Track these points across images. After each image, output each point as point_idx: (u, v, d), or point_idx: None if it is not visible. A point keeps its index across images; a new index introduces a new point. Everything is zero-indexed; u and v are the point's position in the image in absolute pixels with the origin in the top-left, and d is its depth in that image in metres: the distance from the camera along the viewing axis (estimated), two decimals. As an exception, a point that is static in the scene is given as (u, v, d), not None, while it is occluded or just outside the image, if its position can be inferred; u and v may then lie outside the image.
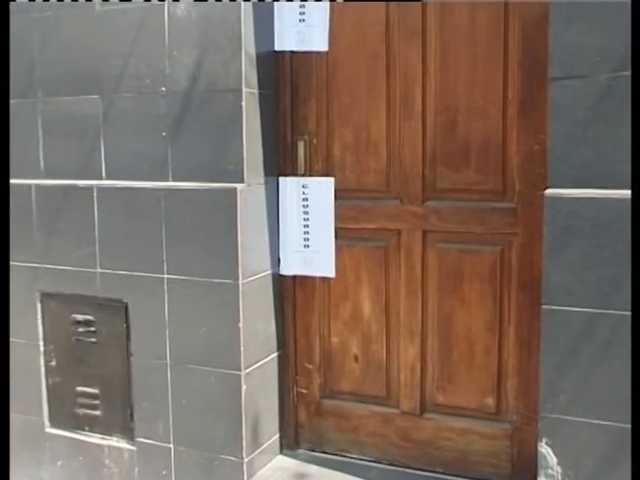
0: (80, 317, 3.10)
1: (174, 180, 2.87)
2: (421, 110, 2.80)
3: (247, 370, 2.85)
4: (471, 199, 2.77)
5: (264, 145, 2.88)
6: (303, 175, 2.98)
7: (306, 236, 3.00)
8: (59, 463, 3.18)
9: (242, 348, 2.81)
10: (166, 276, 2.90)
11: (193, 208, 2.82)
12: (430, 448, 2.94)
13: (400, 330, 2.95)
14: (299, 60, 2.94)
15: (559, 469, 2.33)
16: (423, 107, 2.80)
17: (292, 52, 2.92)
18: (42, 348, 3.18)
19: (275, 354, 3.06)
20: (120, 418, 3.09)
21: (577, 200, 2.27)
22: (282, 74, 2.96)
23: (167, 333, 2.93)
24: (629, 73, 2.17)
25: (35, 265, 3.12)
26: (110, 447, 3.10)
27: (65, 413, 3.18)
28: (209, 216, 2.80)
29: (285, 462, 3.03)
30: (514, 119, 2.66)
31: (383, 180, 2.91)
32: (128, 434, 3.07)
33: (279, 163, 3.00)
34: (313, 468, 2.96)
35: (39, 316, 3.15)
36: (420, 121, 2.81)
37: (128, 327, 3.02)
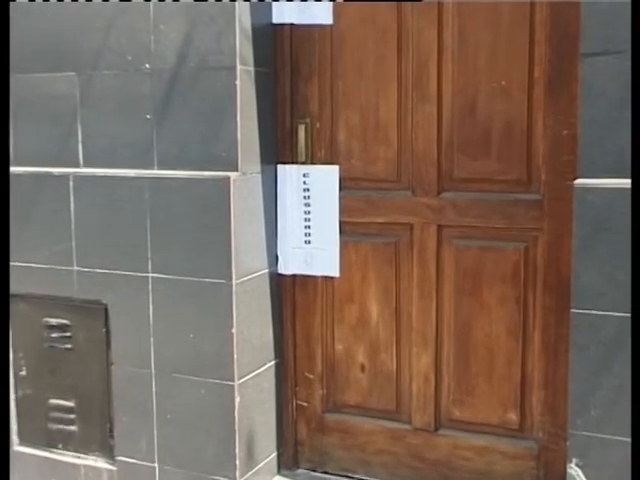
0: (54, 321, 3.10)
1: (160, 168, 2.87)
2: (436, 91, 2.81)
3: (241, 380, 2.85)
4: (492, 190, 2.77)
5: (261, 129, 2.89)
6: (304, 163, 2.99)
7: (307, 231, 3.00)
8: (30, 485, 3.20)
9: (235, 356, 2.81)
10: (151, 275, 2.90)
11: (181, 199, 2.83)
12: (445, 469, 2.95)
13: (412, 336, 2.95)
14: (300, 34, 2.95)
15: (590, 492, 2.34)
16: (438, 87, 2.81)
17: (292, 25, 2.93)
18: (11, 356, 3.17)
19: (272, 363, 3.06)
20: (98, 434, 3.09)
21: (610, 191, 2.27)
22: (281, 50, 2.97)
23: (151, 339, 2.93)
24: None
25: (4, 263, 3.12)
26: (87, 467, 3.10)
27: (36, 429, 3.18)
28: (199, 208, 2.80)
29: (283, 483, 3.04)
30: (540, 101, 2.67)
31: (393, 169, 2.91)
32: (107, 452, 3.07)
33: (277, 149, 3.01)
34: (314, 490, 2.97)
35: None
36: (435, 103, 2.82)
37: (108, 332, 3.02)
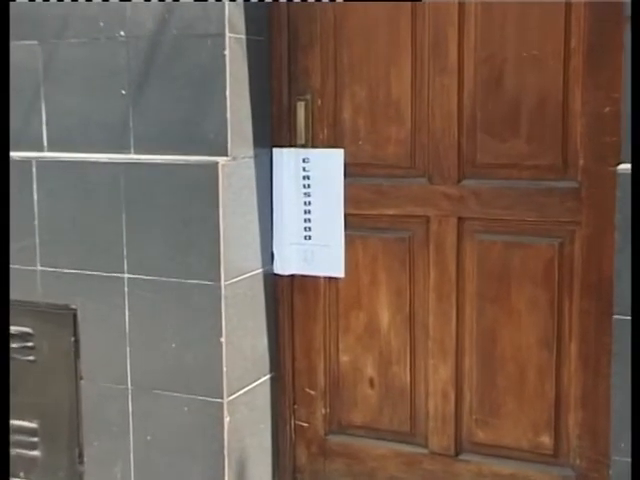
0: (14, 329, 3.08)
1: (137, 152, 2.89)
2: (457, 61, 2.81)
3: (231, 397, 2.87)
4: (521, 177, 2.78)
5: (253, 107, 2.90)
6: (304, 146, 3.00)
7: (307, 225, 3.02)
8: (-12, 517, 3.21)
9: (224, 369, 2.82)
10: (127, 276, 2.92)
11: (161, 188, 2.84)
12: (467, 499, 2.98)
13: (428, 346, 2.96)
14: (299, -3, 2.97)
15: (636, 528, 2.35)
16: (459, 57, 2.81)
17: (290, -14, 2.95)
18: (-34, 369, 3.19)
19: (267, 377, 3.08)
20: (66, 460, 3.10)
21: (660, 178, 2.27)
22: (277, 15, 2.98)
23: (128, 350, 2.94)
24: None
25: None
26: (53, 497, 3.14)
27: (-5, 453, 3.21)
28: (182, 198, 2.81)
29: (279, 517, 3.05)
30: (578, 72, 2.67)
31: (407, 152, 2.92)
32: (76, 480, 3.07)
33: (273, 130, 3.03)
34: (315, 524, 3.01)
35: (-38, 328, 3.18)
36: (455, 75, 2.82)
37: (77, 342, 3.03)
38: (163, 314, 2.88)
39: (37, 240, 3.01)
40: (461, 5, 2.78)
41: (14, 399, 3.07)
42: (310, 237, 3.01)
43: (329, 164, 2.97)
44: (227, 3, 2.72)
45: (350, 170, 2.97)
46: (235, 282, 2.85)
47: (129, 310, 2.92)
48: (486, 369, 2.89)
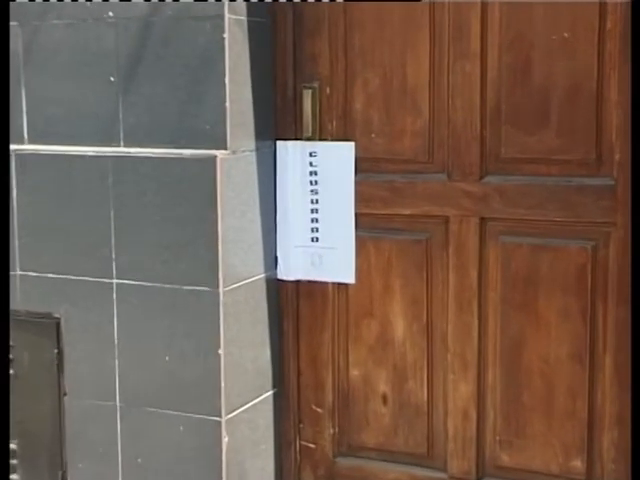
0: (-8, 340, 3.11)
1: (127, 145, 2.88)
2: (479, 45, 2.81)
3: (230, 415, 2.86)
4: (550, 173, 2.78)
5: (255, 95, 2.90)
6: (311, 138, 3.00)
7: (315, 225, 3.02)
8: None
9: (223, 384, 2.82)
10: (115, 281, 2.91)
11: (154, 184, 2.84)
12: (490, 529, 2.98)
13: (448, 360, 2.96)
14: (306, -25, 2.97)
15: None
16: (482, 41, 2.81)
17: (296, -37, 2.96)
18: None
19: (270, 393, 3.08)
20: (48, 484, 3.07)
21: None
22: None
23: (116, 363, 2.94)
24: None
25: None
26: (35, 525, 3.13)
27: (-30, 476, 3.24)
28: (177, 196, 2.81)
29: None
30: (614, 58, 2.66)
31: (424, 146, 2.92)
32: (60, 507, 3.09)
33: (277, 121, 3.03)
34: None
35: None
36: (478, 61, 2.81)
37: (60, 354, 3.02)
38: (155, 323, 2.88)
39: (16, 242, 3.00)
40: (485, -18, 2.79)
41: (-9, 417, 3.14)
42: (317, 239, 3.01)
43: (338, 159, 2.97)
44: (227, -18, 2.72)
45: (361, 165, 2.97)
46: (235, 288, 2.85)
47: (118, 319, 2.92)
48: (511, 385, 2.88)
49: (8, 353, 2.77)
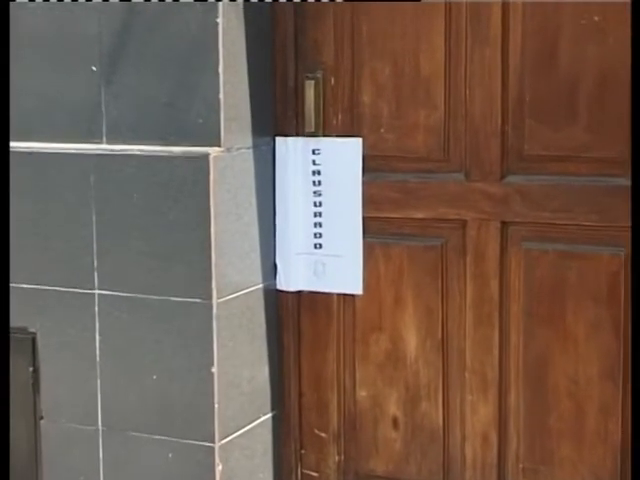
0: (-40, 357, 3.10)
1: (110, 141, 2.88)
2: (500, 30, 2.80)
3: (224, 441, 2.86)
4: (579, 173, 2.77)
5: (252, 87, 2.90)
6: (314, 134, 2.99)
7: (318, 230, 3.01)
8: None
9: (216, 406, 2.81)
10: (97, 292, 2.91)
11: (140, 185, 2.83)
12: None
13: (465, 379, 2.95)
14: (308, -47, 2.98)
15: None
16: (503, 26, 2.80)
17: (297, -60, 2.98)
18: None
19: (268, 415, 3.08)
20: (23, 516, 3.06)
21: None
22: None
23: (98, 383, 2.93)
24: None
25: None
26: None
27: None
28: (165, 198, 2.81)
29: None
30: None
31: (439, 142, 2.91)
32: (36, 541, 3.08)
33: (276, 115, 3.03)
34: None
35: None
36: (499, 48, 2.81)
37: (36, 373, 3.02)
38: (142, 339, 2.87)
39: (-12, 248, 3.03)
40: (506, -40, 2.78)
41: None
42: (321, 245, 3.01)
43: (344, 156, 2.96)
44: (221, -39, 2.73)
45: (370, 164, 2.96)
46: (230, 300, 2.85)
47: (100, 334, 2.91)
48: (536, 407, 2.87)
49: (8, 354, 2.71)
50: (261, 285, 2.99)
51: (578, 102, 2.73)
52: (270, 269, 3.03)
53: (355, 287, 2.99)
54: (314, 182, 2.99)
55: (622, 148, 2.68)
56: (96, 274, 2.89)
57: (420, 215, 2.92)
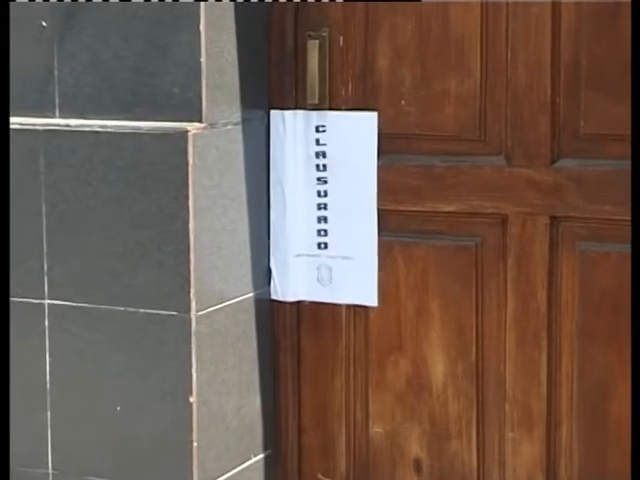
0: None
1: (64, 115, 2.86)
2: None
3: None
4: None
5: (242, 48, 2.88)
6: (318, 107, 2.96)
7: (322, 226, 2.99)
8: None
9: (195, 444, 2.79)
10: (48, 302, 2.89)
11: (101, 170, 2.81)
12: None
13: (505, 412, 2.92)
14: None
15: None
16: None
17: None
18: None
19: (260, 457, 3.07)
20: None
21: None
22: None
23: (48, 415, 2.91)
24: None
25: None
26: None
27: None
28: (132, 186, 2.79)
29: None
30: None
31: (473, 117, 2.89)
32: None
33: (271, 84, 3.03)
34: None
35: None
36: (549, 1, 2.76)
37: None
38: (102, 361, 2.85)
39: None
40: None
41: None
42: (326, 245, 2.98)
43: (355, 135, 2.94)
44: None
45: (387, 144, 2.93)
46: (212, 312, 2.82)
47: (51, 355, 2.89)
48: (593, 445, 2.84)
49: (8, 354, 2.70)
50: (252, 294, 2.97)
51: (647, 68, 2.70)
52: (263, 274, 3.02)
53: (368, 297, 2.97)
54: (318, 166, 2.97)
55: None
56: (46, 280, 2.87)
57: (449, 208, 2.90)
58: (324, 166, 2.96)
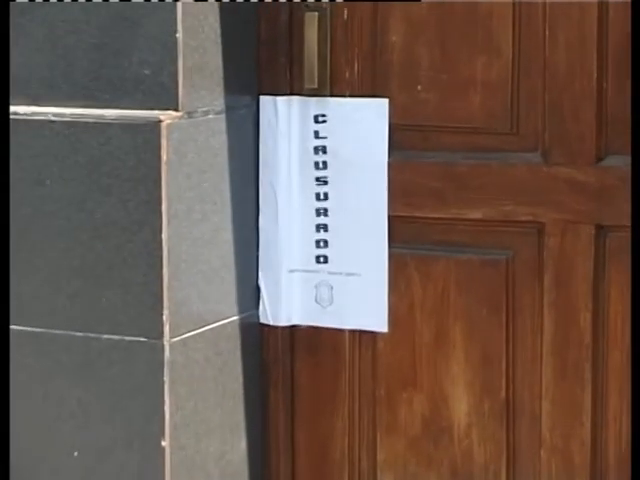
0: None
1: (16, 102, 2.82)
2: None
3: None
4: None
5: (226, 23, 2.86)
6: (317, 93, 2.94)
7: (322, 236, 2.97)
8: None
9: None
10: None
11: (57, 166, 2.78)
12: None
13: (541, 460, 2.87)
14: None
15: None
16: None
17: None
18: None
19: None
20: None
21: None
22: None
23: None
24: None
25: None
26: None
27: None
28: (95, 186, 2.76)
29: None
30: None
31: (504, 106, 2.85)
32: None
33: (261, 65, 3.02)
34: None
35: None
36: None
37: None
38: (59, 396, 2.81)
39: None
40: None
41: None
42: (326, 259, 2.95)
43: (362, 126, 2.90)
44: None
45: (400, 138, 2.89)
46: (189, 339, 2.79)
47: None
48: None
49: (8, 354, 2.68)
50: (236, 317, 2.95)
51: None
52: (250, 294, 3.01)
53: (377, 321, 2.93)
54: (317, 164, 2.94)
55: None
56: (-4, 299, 2.83)
57: (475, 215, 2.86)
58: (324, 164, 2.94)
